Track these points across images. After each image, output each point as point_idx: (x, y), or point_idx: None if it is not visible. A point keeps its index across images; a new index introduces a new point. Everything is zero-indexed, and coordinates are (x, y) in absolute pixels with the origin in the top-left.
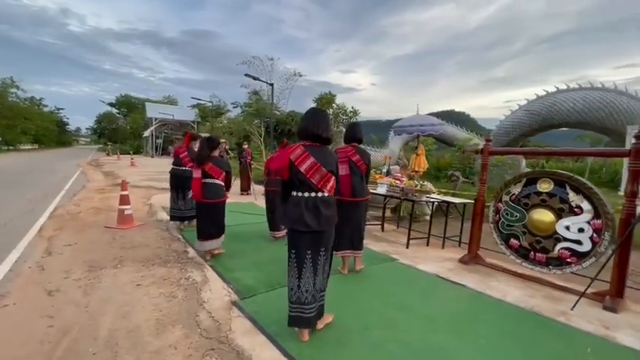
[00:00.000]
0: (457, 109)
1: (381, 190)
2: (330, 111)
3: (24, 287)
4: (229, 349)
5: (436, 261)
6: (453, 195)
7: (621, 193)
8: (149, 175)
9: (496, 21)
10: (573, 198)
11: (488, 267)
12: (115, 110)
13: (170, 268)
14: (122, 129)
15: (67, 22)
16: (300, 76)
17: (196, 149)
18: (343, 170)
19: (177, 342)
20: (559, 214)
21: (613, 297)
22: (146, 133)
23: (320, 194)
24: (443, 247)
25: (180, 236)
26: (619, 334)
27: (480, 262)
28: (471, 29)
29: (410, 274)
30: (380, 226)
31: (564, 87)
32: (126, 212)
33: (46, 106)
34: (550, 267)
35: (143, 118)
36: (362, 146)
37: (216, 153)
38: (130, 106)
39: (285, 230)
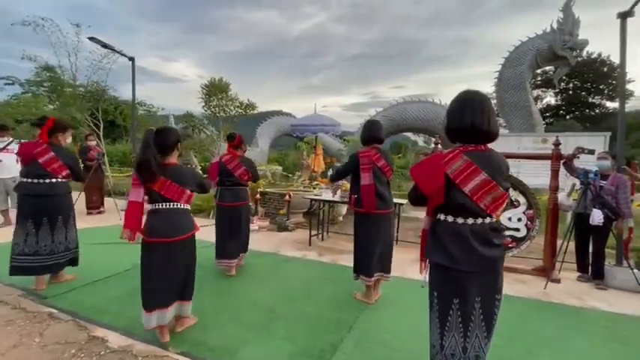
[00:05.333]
0: (284, 110)
1: (328, 195)
2: (222, 102)
3: None
4: None
5: (408, 265)
6: None
7: None
8: None
9: (312, 35)
10: (512, 193)
11: None
12: None
13: None
14: None
15: None
16: (123, 55)
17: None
18: (366, 179)
19: None
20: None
21: (550, 270)
22: None
23: (488, 220)
24: None
25: (53, 309)
26: (590, 303)
27: None
28: (293, 38)
29: (420, 289)
30: (317, 236)
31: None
32: None
33: None
34: None
35: None
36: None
37: (173, 158)
38: None
39: (236, 260)
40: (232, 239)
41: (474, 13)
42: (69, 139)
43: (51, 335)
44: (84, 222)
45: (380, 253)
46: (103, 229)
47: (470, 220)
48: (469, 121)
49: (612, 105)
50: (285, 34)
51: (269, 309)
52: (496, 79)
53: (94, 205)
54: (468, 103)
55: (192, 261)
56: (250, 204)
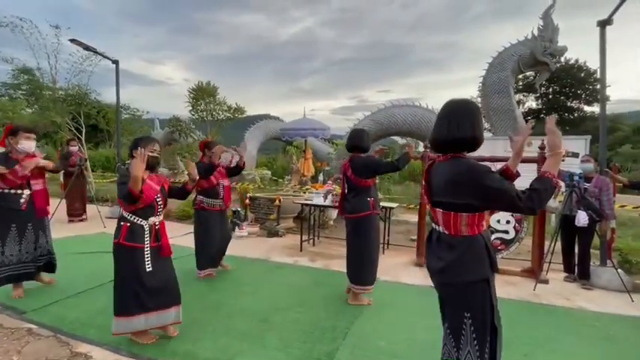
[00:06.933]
0: (272, 114)
1: (318, 200)
2: (210, 106)
3: None
4: None
5: (402, 269)
6: None
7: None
8: None
9: (301, 39)
10: None
11: None
12: None
13: None
14: None
15: None
16: (106, 57)
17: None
18: (341, 187)
19: None
20: (492, 211)
21: (539, 271)
22: None
23: (440, 228)
24: (383, 252)
25: (33, 324)
26: (579, 303)
27: None
28: (281, 42)
29: (423, 294)
30: (308, 241)
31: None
32: None
33: None
34: None
35: None
36: (364, 155)
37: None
38: None
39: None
40: None
41: (461, 18)
42: (24, 143)
43: (30, 352)
44: (65, 230)
45: (348, 257)
46: (86, 238)
47: (433, 225)
48: (433, 133)
49: (589, 109)
50: (274, 38)
51: (261, 318)
52: (480, 84)
53: (76, 213)
54: (438, 116)
55: (117, 270)
56: (239, 209)
